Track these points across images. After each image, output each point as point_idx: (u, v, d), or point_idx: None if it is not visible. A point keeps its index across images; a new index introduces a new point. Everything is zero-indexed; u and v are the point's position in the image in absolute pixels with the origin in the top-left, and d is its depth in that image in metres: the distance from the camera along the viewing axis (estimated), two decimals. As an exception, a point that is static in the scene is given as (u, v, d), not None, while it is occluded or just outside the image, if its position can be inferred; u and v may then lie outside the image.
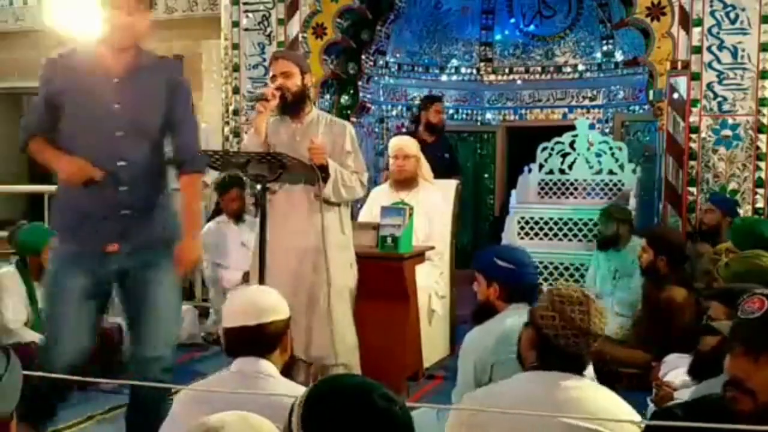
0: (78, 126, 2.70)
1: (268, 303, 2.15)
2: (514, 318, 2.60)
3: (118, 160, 2.68)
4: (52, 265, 2.83)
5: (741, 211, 5.08)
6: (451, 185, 4.96)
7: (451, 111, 7.42)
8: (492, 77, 7.67)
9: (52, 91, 2.72)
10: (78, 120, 2.70)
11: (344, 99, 6.69)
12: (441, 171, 5.21)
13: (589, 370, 2.71)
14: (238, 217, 5.42)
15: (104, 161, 2.67)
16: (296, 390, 2.03)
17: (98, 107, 2.68)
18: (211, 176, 6.04)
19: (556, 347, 1.96)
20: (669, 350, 3.66)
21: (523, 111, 7.67)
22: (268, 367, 2.08)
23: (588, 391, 1.94)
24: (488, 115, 7.78)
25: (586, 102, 7.44)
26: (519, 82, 7.62)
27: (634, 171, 5.85)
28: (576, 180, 6.00)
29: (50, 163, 2.78)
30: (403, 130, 7.22)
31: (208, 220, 5.75)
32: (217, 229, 5.41)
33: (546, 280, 5.32)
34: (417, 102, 7.48)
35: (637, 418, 1.93)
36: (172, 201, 2.94)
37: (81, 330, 2.79)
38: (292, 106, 3.49)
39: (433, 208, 4.63)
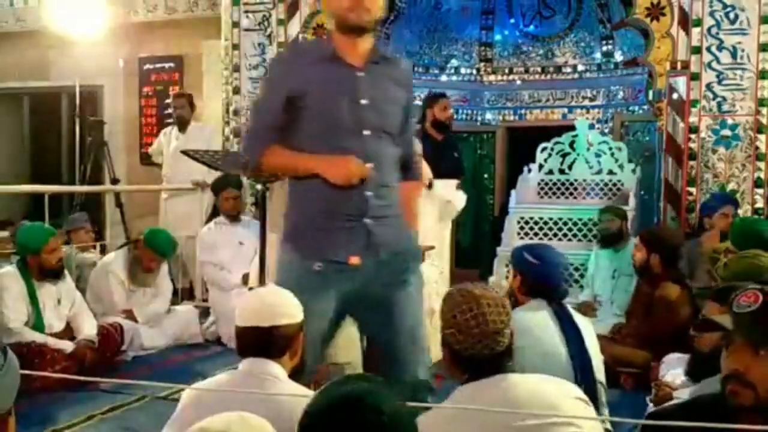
0: (324, 125, 2.43)
1: (282, 306, 2.15)
2: (525, 312, 2.64)
3: (366, 162, 2.41)
4: (292, 281, 2.41)
5: (740, 211, 5.08)
6: (450, 185, 4.96)
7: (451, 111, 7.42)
8: (492, 77, 7.67)
9: (295, 90, 2.42)
10: (325, 119, 2.43)
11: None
12: (451, 171, 5.20)
13: (601, 373, 2.74)
14: (233, 217, 5.43)
15: None
16: (302, 393, 2.04)
17: (346, 104, 2.42)
18: (212, 177, 6.06)
19: (469, 358, 1.94)
20: (665, 348, 3.68)
21: (522, 111, 7.66)
22: (276, 369, 2.08)
23: (524, 384, 1.94)
24: (488, 115, 7.78)
25: (586, 102, 7.43)
26: (519, 82, 7.62)
27: (633, 171, 5.86)
28: (576, 180, 6.01)
29: (310, 167, 2.42)
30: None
31: (207, 221, 5.77)
32: (215, 229, 5.43)
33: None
34: (418, 102, 7.50)
35: (581, 394, 1.95)
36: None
37: (322, 353, 2.55)
38: None
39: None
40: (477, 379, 1.94)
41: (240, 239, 5.31)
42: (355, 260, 2.43)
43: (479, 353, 1.92)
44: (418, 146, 2.68)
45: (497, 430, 1.80)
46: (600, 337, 4.10)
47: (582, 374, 2.59)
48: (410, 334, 2.52)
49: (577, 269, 5.42)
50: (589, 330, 2.79)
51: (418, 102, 7.22)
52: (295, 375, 2.17)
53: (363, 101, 2.42)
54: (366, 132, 2.43)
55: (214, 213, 5.74)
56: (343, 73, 2.42)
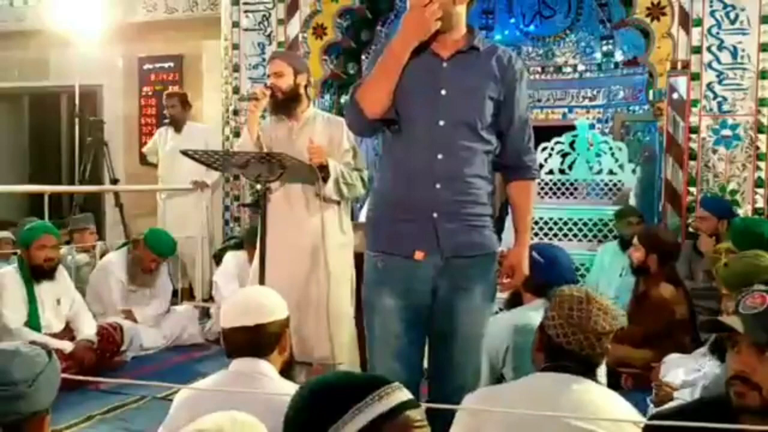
0: (404, 111, 2.39)
1: (267, 303, 2.16)
2: (534, 311, 2.64)
3: (436, 153, 2.34)
4: (366, 272, 2.50)
5: (741, 211, 5.08)
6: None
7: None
8: (492, 77, 7.65)
9: None
10: (405, 107, 2.38)
11: (344, 99, 6.69)
12: None
13: (602, 369, 2.74)
14: None
15: (421, 154, 2.36)
16: (294, 390, 2.03)
17: (426, 92, 2.37)
18: (211, 177, 6.05)
19: (558, 346, 1.97)
20: (661, 346, 3.69)
21: (523, 111, 7.65)
22: (267, 368, 2.08)
23: (594, 394, 1.94)
24: (488, 115, 7.76)
25: (586, 102, 7.44)
26: (519, 82, 7.61)
27: (634, 171, 5.86)
28: (576, 180, 6.01)
29: (392, 47, 2.36)
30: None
31: (229, 246, 5.49)
32: (239, 263, 5.18)
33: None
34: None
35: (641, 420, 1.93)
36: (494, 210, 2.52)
37: (401, 358, 2.39)
38: (284, 104, 3.51)
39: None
40: (555, 370, 1.96)
41: None
42: (419, 255, 2.34)
43: (568, 346, 1.95)
44: (530, 143, 2.52)
45: (554, 423, 1.82)
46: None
47: None
48: (463, 346, 2.42)
49: (577, 269, 5.41)
50: None
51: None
52: (285, 372, 2.18)
53: (442, 91, 2.36)
54: (441, 122, 2.35)
55: (239, 244, 5.43)
56: (428, 63, 2.38)
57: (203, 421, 1.22)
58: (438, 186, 2.35)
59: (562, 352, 1.97)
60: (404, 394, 1.21)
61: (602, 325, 1.97)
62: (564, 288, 2.08)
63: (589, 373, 1.98)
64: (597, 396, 1.94)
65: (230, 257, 5.26)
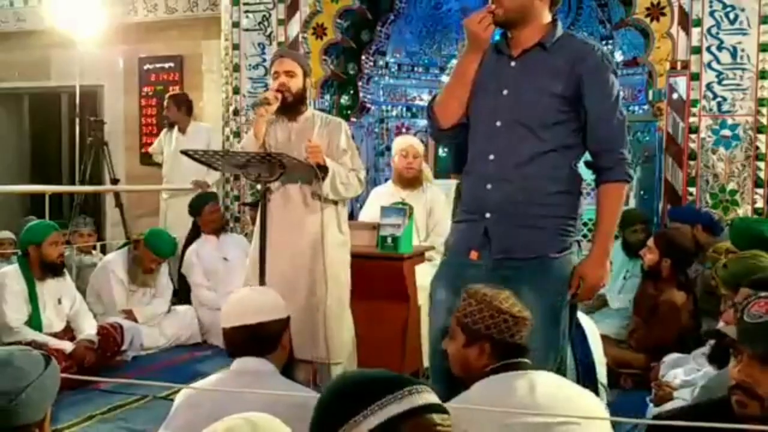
0: (472, 112, 2.41)
1: (267, 303, 2.18)
2: None
3: (488, 154, 2.35)
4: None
5: (740, 211, 5.08)
6: (450, 185, 4.96)
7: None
8: (492, 77, 7.65)
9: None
10: (474, 106, 2.41)
11: (344, 99, 6.70)
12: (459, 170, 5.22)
13: (603, 375, 2.74)
14: (218, 232, 5.39)
15: (478, 154, 2.39)
16: (296, 389, 2.05)
17: (490, 93, 2.37)
18: (213, 176, 6.05)
19: (513, 346, 1.98)
20: (666, 352, 3.68)
21: (523, 111, 7.64)
22: (268, 366, 2.10)
23: (551, 384, 1.96)
24: (488, 115, 7.75)
25: (586, 102, 7.42)
26: (519, 82, 7.60)
27: (633, 171, 5.85)
28: (576, 180, 6.00)
29: (457, 62, 2.48)
30: (404, 130, 7.22)
31: (186, 243, 5.59)
32: (199, 249, 5.36)
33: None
34: (418, 102, 7.49)
35: (603, 405, 1.98)
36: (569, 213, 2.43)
37: (445, 354, 2.30)
38: (291, 107, 3.49)
39: (436, 204, 4.67)
40: (506, 369, 1.96)
41: (225, 255, 5.32)
42: (473, 255, 2.35)
43: (519, 340, 1.97)
44: (616, 141, 2.39)
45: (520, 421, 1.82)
46: (603, 338, 4.12)
47: (585, 376, 2.60)
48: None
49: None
50: (593, 332, 2.79)
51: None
52: (285, 371, 2.19)
53: (504, 92, 2.36)
54: (498, 123, 2.35)
55: (195, 234, 5.56)
56: (497, 64, 2.39)
57: (218, 426, 1.20)
58: (489, 186, 2.35)
59: (515, 347, 1.97)
60: (429, 397, 1.23)
61: (524, 314, 2.00)
62: (474, 293, 2.05)
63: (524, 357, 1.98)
64: (551, 388, 1.94)
65: (189, 252, 5.39)
